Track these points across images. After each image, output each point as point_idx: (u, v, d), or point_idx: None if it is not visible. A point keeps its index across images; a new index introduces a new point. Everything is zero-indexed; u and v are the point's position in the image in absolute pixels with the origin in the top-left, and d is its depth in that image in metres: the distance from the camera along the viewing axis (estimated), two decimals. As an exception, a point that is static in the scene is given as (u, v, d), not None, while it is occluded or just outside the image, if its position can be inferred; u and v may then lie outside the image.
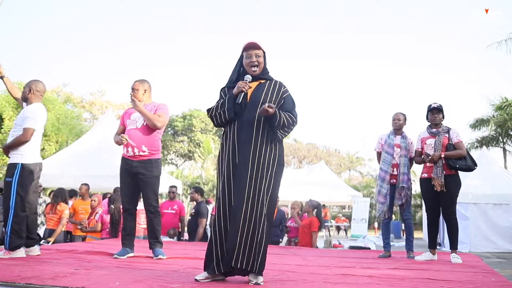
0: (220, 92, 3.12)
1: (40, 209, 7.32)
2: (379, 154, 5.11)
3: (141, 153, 4.22)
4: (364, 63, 50.21)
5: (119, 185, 4.52)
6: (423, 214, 13.02)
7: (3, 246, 3.97)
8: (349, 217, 19.66)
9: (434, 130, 4.72)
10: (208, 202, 9.96)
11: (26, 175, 3.91)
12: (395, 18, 46.21)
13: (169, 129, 30.16)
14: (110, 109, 20.66)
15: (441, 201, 4.59)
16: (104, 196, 8.65)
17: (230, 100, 2.95)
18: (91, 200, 7.15)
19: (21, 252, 3.90)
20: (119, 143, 4.32)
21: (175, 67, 51.62)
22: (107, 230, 6.70)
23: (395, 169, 4.94)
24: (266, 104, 2.84)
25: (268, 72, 3.12)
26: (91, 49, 46.68)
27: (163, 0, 45.35)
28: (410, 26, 46.97)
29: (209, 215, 7.64)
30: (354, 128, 55.17)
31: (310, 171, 19.67)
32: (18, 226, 3.86)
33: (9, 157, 4.00)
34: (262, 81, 3.06)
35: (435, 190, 4.55)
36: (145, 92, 4.37)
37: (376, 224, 20.29)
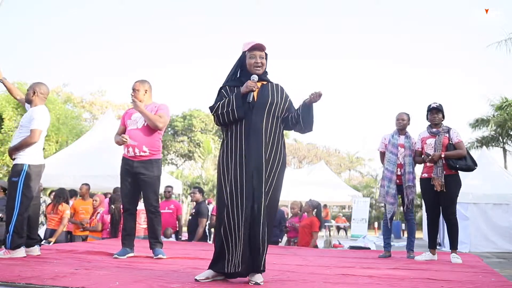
0: (221, 90, 3.07)
1: (40, 209, 7.31)
2: (382, 154, 5.11)
3: (142, 154, 4.22)
4: (364, 63, 50.28)
5: (119, 185, 4.52)
6: (423, 214, 13.01)
7: (3, 246, 3.98)
8: (349, 217, 19.66)
9: (434, 130, 4.72)
10: (208, 202, 9.96)
11: (32, 175, 3.95)
12: (395, 18, 46.26)
13: (169, 129, 30.15)
14: (110, 109, 20.65)
15: (441, 201, 4.59)
16: (104, 196, 8.65)
17: (238, 99, 2.90)
18: (93, 200, 7.16)
19: (21, 252, 3.91)
20: (119, 143, 4.32)
21: (175, 67, 51.69)
22: (108, 230, 6.71)
23: (399, 169, 4.94)
24: (318, 91, 2.91)
25: (267, 74, 3.12)
26: (91, 49, 46.75)
27: (163, 0, 45.39)
28: (410, 26, 47.03)
29: (209, 215, 7.64)
30: (354, 128, 55.25)
31: (310, 171, 19.69)
32: (20, 226, 3.88)
33: (13, 159, 4.02)
34: (264, 83, 3.05)
35: (435, 190, 4.54)
36: (145, 92, 4.37)
37: (376, 224, 20.30)
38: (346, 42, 48.98)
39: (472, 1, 43.34)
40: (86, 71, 47.13)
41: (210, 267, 2.91)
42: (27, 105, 4.25)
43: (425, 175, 4.71)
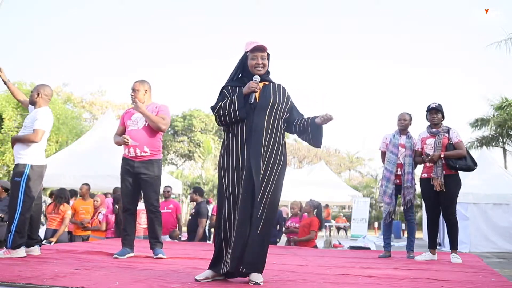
0: (222, 90, 3.06)
1: (41, 210, 7.32)
2: (383, 154, 5.11)
3: (143, 154, 4.22)
4: (364, 63, 50.33)
5: (119, 185, 4.51)
6: (423, 214, 13.01)
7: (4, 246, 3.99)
8: (349, 217, 19.65)
9: (434, 130, 4.72)
10: (208, 202, 9.97)
11: (35, 176, 3.98)
12: (395, 18, 46.30)
13: (169, 129, 30.13)
14: (110, 109, 20.65)
15: (441, 201, 4.59)
16: (104, 196, 8.64)
17: (240, 100, 2.89)
18: (94, 200, 7.18)
19: (21, 252, 3.92)
20: (119, 143, 4.32)
21: (175, 67, 51.71)
22: (112, 229, 6.76)
23: (399, 169, 4.94)
24: (327, 113, 2.91)
25: (269, 74, 3.11)
26: (91, 49, 46.77)
27: (163, 0, 45.39)
28: (410, 26, 47.07)
29: (209, 215, 7.64)
30: (354, 128, 55.26)
31: (310, 171, 19.71)
32: (22, 225, 3.90)
33: (14, 151, 4.05)
34: (266, 83, 3.05)
35: (435, 190, 4.55)
36: (145, 92, 4.37)
37: (376, 224, 20.29)
38: (346, 42, 49.08)
39: (472, 1, 43.39)
40: (86, 71, 47.22)
41: (210, 267, 2.91)
42: (30, 107, 4.28)
43: (425, 175, 4.71)
